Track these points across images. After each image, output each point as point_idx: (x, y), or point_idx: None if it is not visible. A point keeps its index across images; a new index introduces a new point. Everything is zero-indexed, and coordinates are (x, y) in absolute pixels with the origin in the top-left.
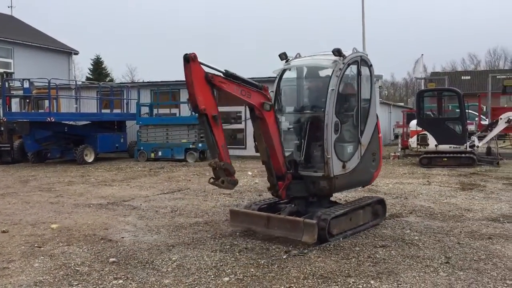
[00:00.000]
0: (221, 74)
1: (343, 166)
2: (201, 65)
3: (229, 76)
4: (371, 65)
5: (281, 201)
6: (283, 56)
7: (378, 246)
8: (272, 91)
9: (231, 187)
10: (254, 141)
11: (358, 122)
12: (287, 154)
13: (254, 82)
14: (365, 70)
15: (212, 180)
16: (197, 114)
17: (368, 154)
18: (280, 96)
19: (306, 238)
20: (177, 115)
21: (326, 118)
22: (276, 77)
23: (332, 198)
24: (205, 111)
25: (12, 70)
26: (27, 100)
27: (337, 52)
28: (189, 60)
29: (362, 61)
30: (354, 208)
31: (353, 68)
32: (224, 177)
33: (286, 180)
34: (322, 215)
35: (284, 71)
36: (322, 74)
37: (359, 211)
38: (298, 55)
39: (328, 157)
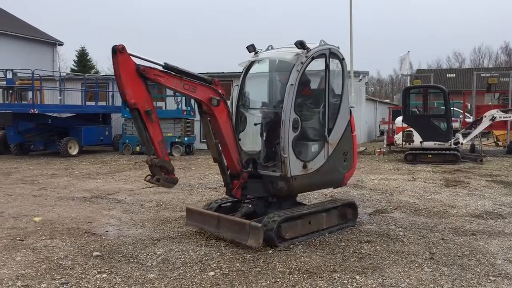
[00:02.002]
0: (160, 67)
1: (304, 166)
2: (133, 57)
3: (169, 69)
4: (342, 59)
5: (245, 201)
6: (251, 49)
7: (363, 241)
8: (237, 85)
9: (170, 186)
10: (205, 138)
11: (325, 119)
12: (254, 152)
13: (201, 76)
14: (335, 64)
15: (148, 178)
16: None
17: (338, 154)
18: (245, 91)
19: (251, 242)
20: (163, 108)
21: (283, 114)
22: (242, 70)
23: (306, 199)
24: (136, 106)
25: None
26: (10, 91)
27: (300, 45)
28: (116, 51)
29: (331, 54)
30: (314, 211)
31: (320, 61)
32: (160, 175)
33: (241, 179)
34: (272, 218)
35: (250, 64)
36: (285, 68)
37: (321, 214)
38: (270, 47)
39: (285, 156)
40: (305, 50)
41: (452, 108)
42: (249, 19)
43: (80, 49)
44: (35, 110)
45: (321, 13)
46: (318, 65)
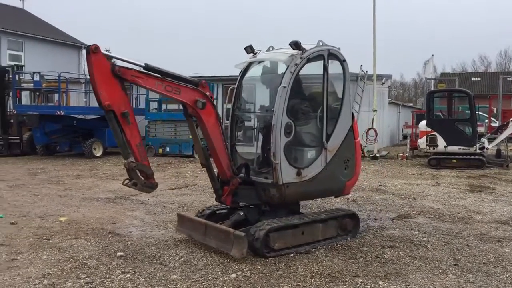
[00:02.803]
0: (140, 68)
1: (298, 173)
2: (110, 58)
3: (150, 70)
4: (344, 60)
5: (240, 207)
6: (249, 50)
7: (386, 246)
8: (233, 87)
9: (148, 191)
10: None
11: (323, 124)
12: (250, 157)
13: (186, 77)
14: (335, 66)
15: (126, 182)
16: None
17: (338, 161)
18: (240, 93)
19: (235, 251)
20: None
21: (274, 118)
22: (240, 72)
23: (328, 204)
24: (111, 107)
25: (22, 63)
26: (37, 93)
27: (295, 45)
28: (90, 52)
29: (330, 56)
30: (308, 221)
31: (318, 63)
32: (137, 179)
33: (231, 185)
34: (260, 227)
35: (247, 66)
36: (280, 69)
37: (316, 225)
38: (271, 48)
39: (276, 162)
40: (301, 51)
41: (477, 113)
42: (252, 19)
43: (105, 52)
44: (61, 112)
45: (338, 15)
46: (316, 66)
